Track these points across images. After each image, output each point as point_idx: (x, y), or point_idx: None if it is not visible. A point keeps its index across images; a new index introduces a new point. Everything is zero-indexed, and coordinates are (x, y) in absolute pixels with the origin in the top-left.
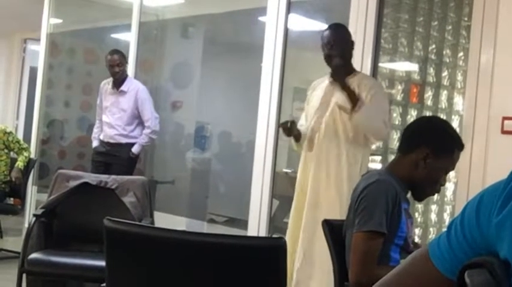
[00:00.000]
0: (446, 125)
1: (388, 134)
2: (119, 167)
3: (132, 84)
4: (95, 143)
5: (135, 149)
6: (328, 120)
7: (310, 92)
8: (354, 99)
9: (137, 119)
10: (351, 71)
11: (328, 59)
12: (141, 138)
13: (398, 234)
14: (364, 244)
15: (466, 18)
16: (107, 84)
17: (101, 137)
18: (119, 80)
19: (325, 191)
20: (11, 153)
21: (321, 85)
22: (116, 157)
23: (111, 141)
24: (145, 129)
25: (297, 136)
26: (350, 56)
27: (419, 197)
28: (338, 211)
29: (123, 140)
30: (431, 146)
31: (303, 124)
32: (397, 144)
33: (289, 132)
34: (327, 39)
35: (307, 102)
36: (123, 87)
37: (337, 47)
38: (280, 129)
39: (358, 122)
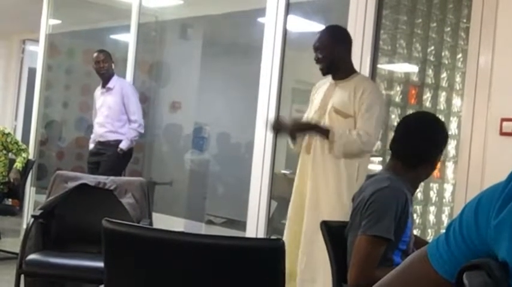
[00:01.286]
0: (441, 126)
1: (375, 144)
2: (104, 164)
3: (118, 82)
4: (90, 146)
5: (123, 145)
6: (326, 124)
7: (314, 93)
8: (325, 135)
9: (125, 115)
10: (348, 72)
11: (316, 62)
12: (129, 133)
13: (403, 239)
14: (366, 247)
15: (464, 20)
16: (99, 88)
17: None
18: (105, 77)
19: (325, 194)
20: (10, 154)
21: (323, 86)
22: (103, 155)
23: (101, 139)
24: (131, 124)
25: (293, 134)
26: (340, 58)
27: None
28: (338, 214)
29: (112, 137)
30: (439, 153)
31: None
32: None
33: (277, 128)
34: (314, 43)
35: (310, 102)
36: (110, 85)
37: (321, 52)
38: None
39: (338, 154)
